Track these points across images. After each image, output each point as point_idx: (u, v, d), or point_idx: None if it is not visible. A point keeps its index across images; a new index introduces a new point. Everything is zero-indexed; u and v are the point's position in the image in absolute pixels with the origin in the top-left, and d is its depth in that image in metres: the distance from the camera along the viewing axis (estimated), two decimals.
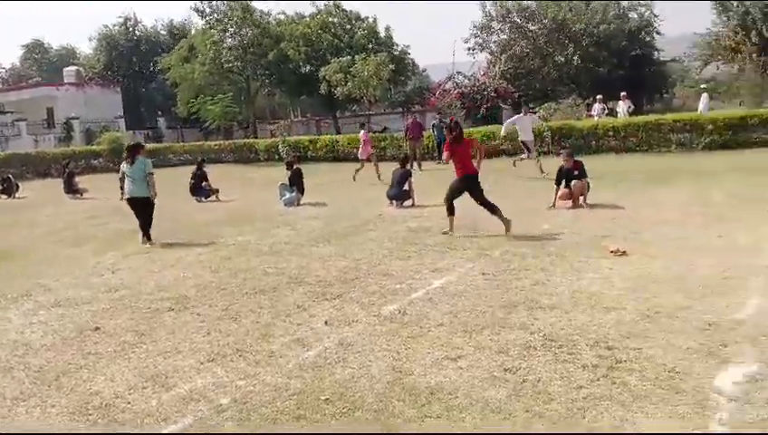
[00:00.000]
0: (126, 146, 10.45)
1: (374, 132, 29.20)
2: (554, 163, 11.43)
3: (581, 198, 10.21)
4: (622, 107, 22.67)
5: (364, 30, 38.63)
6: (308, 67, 37.51)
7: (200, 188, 14.95)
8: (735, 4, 28.64)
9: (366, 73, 27.71)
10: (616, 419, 3.34)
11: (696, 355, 4.07)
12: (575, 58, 32.07)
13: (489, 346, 4.46)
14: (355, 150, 19.37)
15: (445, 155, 8.89)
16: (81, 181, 19.05)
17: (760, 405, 3.36)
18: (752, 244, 6.91)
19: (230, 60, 35.75)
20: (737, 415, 3.29)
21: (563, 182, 10.35)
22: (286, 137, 25.95)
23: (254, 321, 5.40)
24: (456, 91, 28.24)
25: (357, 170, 16.69)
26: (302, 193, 13.06)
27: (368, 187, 15.04)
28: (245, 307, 5.82)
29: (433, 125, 21.12)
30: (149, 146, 32.31)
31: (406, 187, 11.71)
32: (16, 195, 19.26)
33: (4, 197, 19.21)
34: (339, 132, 33.45)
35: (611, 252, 6.89)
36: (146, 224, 9.36)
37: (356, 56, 30.55)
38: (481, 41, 35.97)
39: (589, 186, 10.29)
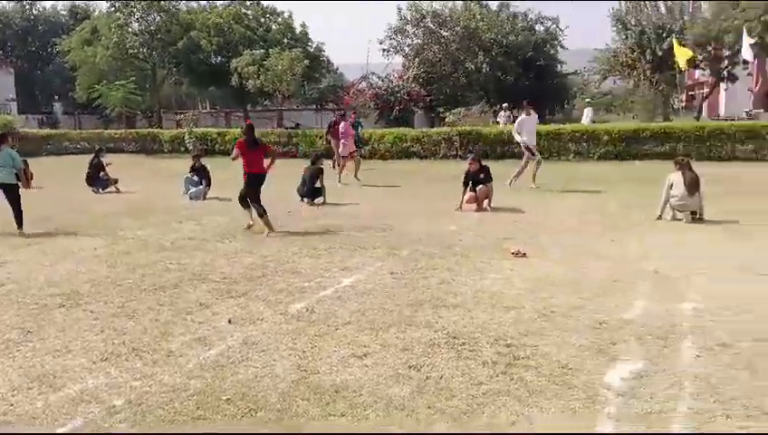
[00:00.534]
0: None
1: (287, 128, 28.87)
2: (462, 167, 11.71)
3: (486, 201, 10.54)
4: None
5: (279, 24, 38.09)
6: (219, 58, 36.50)
7: (97, 179, 14.20)
8: (633, 23, 30.53)
9: (280, 68, 27.27)
10: (513, 413, 3.47)
11: (587, 352, 4.29)
12: (485, 66, 33.08)
13: (395, 344, 4.50)
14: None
15: (234, 152, 9.34)
16: None
17: (645, 400, 3.59)
18: (640, 250, 7.39)
19: (135, 45, 34.17)
20: (624, 409, 3.49)
21: (470, 185, 10.64)
22: (193, 128, 25.06)
23: (153, 319, 5.18)
24: (369, 92, 28.40)
25: (339, 171, 15.03)
26: (209, 186, 12.73)
27: (280, 183, 14.79)
28: (143, 304, 5.57)
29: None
30: (43, 132, 30.53)
31: (317, 184, 11.63)
32: None
33: None
34: None
35: (512, 254, 7.16)
36: (17, 213, 8.96)
37: (270, 50, 30.04)
38: (395, 43, 36.36)
39: (492, 190, 10.63)
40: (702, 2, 31.70)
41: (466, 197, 10.56)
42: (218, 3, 38.85)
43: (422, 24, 35.02)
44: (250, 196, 9.11)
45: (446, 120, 22.07)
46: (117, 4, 34.64)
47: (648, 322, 4.87)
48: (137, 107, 34.26)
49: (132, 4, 33.97)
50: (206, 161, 13.80)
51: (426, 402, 3.61)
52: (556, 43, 37.45)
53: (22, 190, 9.24)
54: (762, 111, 30.54)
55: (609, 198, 11.52)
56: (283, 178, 15.20)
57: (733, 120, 24.50)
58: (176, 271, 6.73)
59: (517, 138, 13.55)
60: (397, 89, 28.20)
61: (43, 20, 46.63)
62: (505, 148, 19.31)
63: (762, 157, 16.72)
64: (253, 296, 5.76)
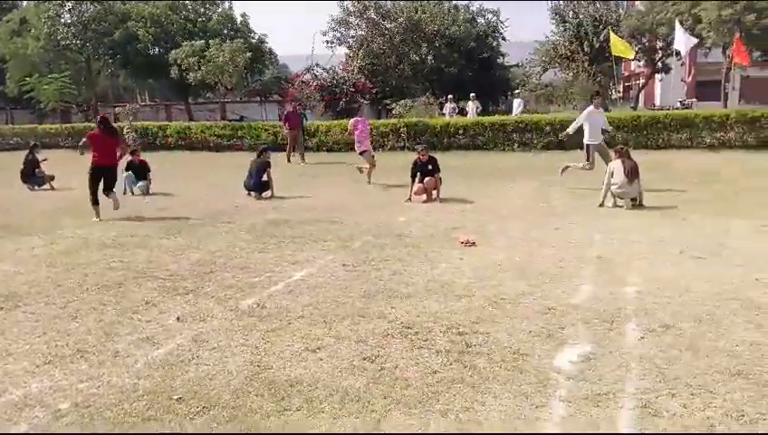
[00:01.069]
0: None
1: (230, 121, 28.31)
2: (410, 158, 11.77)
3: (435, 192, 10.63)
4: (471, 107, 23.91)
5: (219, 15, 37.22)
6: (157, 49, 35.41)
7: (32, 176, 13.63)
8: (571, 15, 31.27)
9: (221, 59, 26.67)
10: (467, 400, 3.52)
11: (537, 338, 4.39)
12: (429, 58, 33.28)
13: (349, 336, 4.50)
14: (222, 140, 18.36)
15: (83, 141, 9.69)
16: None
17: (593, 382, 3.70)
18: (584, 237, 7.60)
19: (68, 37, 32.78)
20: (574, 391, 3.59)
21: (418, 176, 10.71)
22: (132, 122, 24.27)
23: (97, 319, 5.00)
24: (314, 84, 28.15)
25: (362, 170, 13.37)
26: (150, 181, 12.44)
27: (226, 176, 14.54)
28: (87, 305, 5.37)
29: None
30: None
31: (265, 177, 11.47)
32: None
33: None
34: (191, 119, 31.99)
35: (462, 243, 7.25)
36: None
37: (210, 41, 29.35)
38: (339, 35, 36.15)
39: (441, 180, 10.74)
40: None
41: (415, 188, 10.63)
42: None
43: (365, 16, 34.90)
44: (105, 185, 9.56)
45: (393, 111, 22.11)
46: None
47: (594, 306, 5.02)
48: (72, 100, 32.94)
49: None
50: (146, 156, 13.45)
51: (381, 393, 3.62)
52: (497, 35, 37.98)
53: None
54: (695, 100, 31.88)
55: (553, 186, 11.80)
56: (229, 171, 14.99)
57: (668, 109, 25.47)
58: (119, 269, 6.52)
59: (570, 130, 11.80)
60: (342, 81, 28.05)
61: None
62: (452, 139, 19.52)
63: (696, 144, 17.44)
64: (201, 293, 5.64)
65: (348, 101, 27.02)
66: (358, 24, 35.67)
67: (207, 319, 4.96)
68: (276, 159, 13.60)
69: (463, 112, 24.56)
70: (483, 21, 37.61)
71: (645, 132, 18.06)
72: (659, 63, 31.03)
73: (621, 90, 40.94)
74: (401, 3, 34.57)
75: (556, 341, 4.34)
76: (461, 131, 19.64)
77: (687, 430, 3.17)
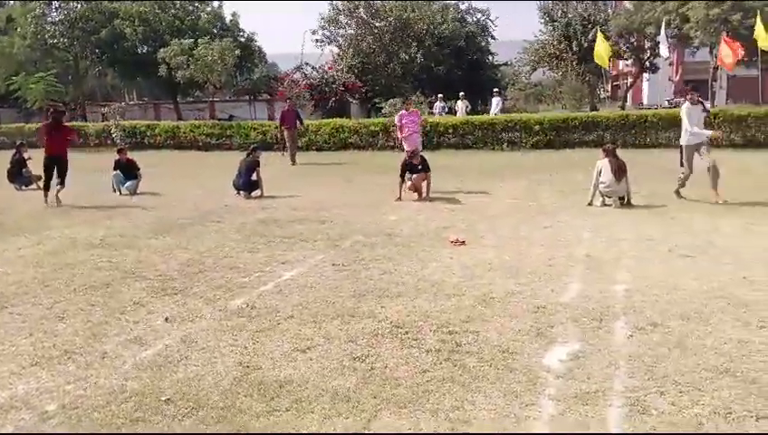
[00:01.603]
0: None
1: (220, 120, 28.20)
2: (400, 157, 11.77)
3: (424, 185, 10.63)
4: (461, 106, 23.95)
5: (208, 14, 37.03)
6: (145, 48, 35.18)
7: (19, 175, 13.52)
8: (560, 14, 31.38)
9: (210, 58, 26.56)
10: (457, 399, 3.52)
11: (526, 336, 4.40)
12: (418, 57, 33.30)
13: (339, 336, 4.48)
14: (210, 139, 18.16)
15: (40, 131, 11.29)
16: None
17: (581, 380, 3.71)
18: (573, 235, 7.63)
19: (55, 35, 32.51)
20: (563, 390, 3.60)
21: (407, 175, 10.70)
22: (120, 121, 24.11)
23: (85, 320, 4.96)
24: (304, 83, 28.09)
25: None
26: (139, 180, 12.38)
27: (215, 175, 14.47)
28: (74, 305, 5.33)
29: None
30: None
31: (254, 176, 11.43)
32: None
33: None
34: (180, 118, 31.81)
35: (452, 242, 7.26)
36: None
37: (199, 40, 29.20)
38: (329, 33, 36.09)
39: (430, 179, 10.74)
40: None
41: (407, 185, 10.61)
42: None
43: (355, 15, 34.86)
44: (54, 174, 10.56)
45: (383, 110, 22.10)
46: None
47: (583, 304, 5.04)
48: (59, 99, 32.68)
49: None
50: (134, 155, 13.37)
51: (371, 392, 3.61)
52: (486, 34, 38.07)
53: None
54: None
55: (542, 185, 11.84)
56: (219, 170, 14.93)
57: (655, 108, 25.63)
58: (107, 269, 6.47)
59: (686, 132, 9.77)
60: (332, 80, 28.01)
61: None
62: (441, 138, 19.54)
63: None
64: (190, 293, 5.60)
65: (337, 100, 26.99)
66: (347, 23, 35.63)
67: (196, 319, 4.93)
68: (267, 158, 13.54)
69: (452, 111, 24.60)
70: (472, 20, 37.69)
71: (633, 131, 18.19)
72: (647, 63, 31.21)
73: (609, 89, 41.19)
74: (391, 2, 34.56)
75: (545, 339, 4.35)
76: (450, 131, 19.67)
77: (676, 429, 3.19)
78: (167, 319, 4.94)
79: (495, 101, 24.42)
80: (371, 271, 6.17)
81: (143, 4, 34.72)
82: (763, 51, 19.40)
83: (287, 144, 17.77)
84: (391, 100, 23.32)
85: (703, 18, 21.95)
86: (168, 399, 3.60)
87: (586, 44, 30.12)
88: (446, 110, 24.45)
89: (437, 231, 7.98)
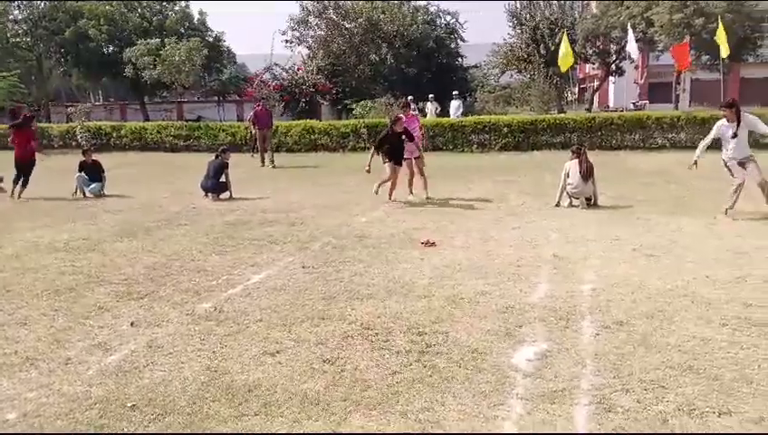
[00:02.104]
0: None
1: (187, 121, 27.83)
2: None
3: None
4: (430, 108, 24.01)
5: (176, 13, 36.56)
6: (111, 48, 34.57)
7: None
8: (528, 17, 31.75)
9: (177, 58, 26.24)
10: (427, 400, 3.52)
11: (495, 336, 4.44)
12: (389, 58, 33.36)
13: (308, 339, 4.46)
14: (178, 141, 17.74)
15: (12, 134, 12.09)
16: None
17: (549, 379, 3.76)
18: (541, 236, 7.72)
19: (18, 34, 31.77)
20: (531, 389, 3.64)
21: (388, 152, 10.42)
22: (85, 122, 23.62)
23: (48, 325, 4.84)
24: (274, 83, 27.91)
25: (410, 184, 10.88)
26: (104, 182, 12.15)
27: (182, 177, 14.28)
28: (36, 311, 5.20)
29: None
30: None
31: (223, 178, 11.30)
32: None
33: None
34: (147, 119, 31.33)
35: (422, 244, 7.28)
36: None
37: (166, 39, 28.82)
38: (299, 34, 35.92)
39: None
40: (591, 1, 33.45)
41: (388, 176, 10.27)
42: None
43: (324, 16, 34.76)
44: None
45: (353, 112, 22.06)
46: None
47: (551, 304, 5.10)
48: (22, 100, 31.91)
49: None
50: (100, 157, 13.12)
51: (341, 395, 3.60)
52: (456, 36, 38.31)
53: None
54: (647, 101, 32.73)
55: (511, 186, 11.95)
56: (186, 172, 14.72)
57: (621, 111, 26.10)
58: (71, 274, 6.33)
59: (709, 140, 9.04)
60: (302, 81, 27.88)
61: None
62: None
63: (648, 145, 17.93)
64: (156, 297, 5.52)
65: (308, 102, 26.88)
66: (317, 24, 35.50)
67: (163, 324, 4.85)
68: (236, 159, 13.38)
69: (422, 113, 24.62)
70: (441, 23, 37.89)
71: (599, 133, 18.48)
72: (613, 66, 31.76)
73: (577, 92, 41.83)
74: (361, 3, 34.55)
75: (514, 339, 4.39)
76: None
77: (641, 428, 3.24)
78: (132, 324, 4.85)
79: (455, 105, 24.42)
80: (341, 273, 6.15)
81: (109, 4, 34.14)
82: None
83: (258, 145, 17.56)
84: (362, 101, 23.28)
85: (667, 22, 22.46)
86: (134, 405, 3.54)
87: (553, 48, 30.53)
88: (439, 110, 24.28)
89: (408, 232, 8.00)
